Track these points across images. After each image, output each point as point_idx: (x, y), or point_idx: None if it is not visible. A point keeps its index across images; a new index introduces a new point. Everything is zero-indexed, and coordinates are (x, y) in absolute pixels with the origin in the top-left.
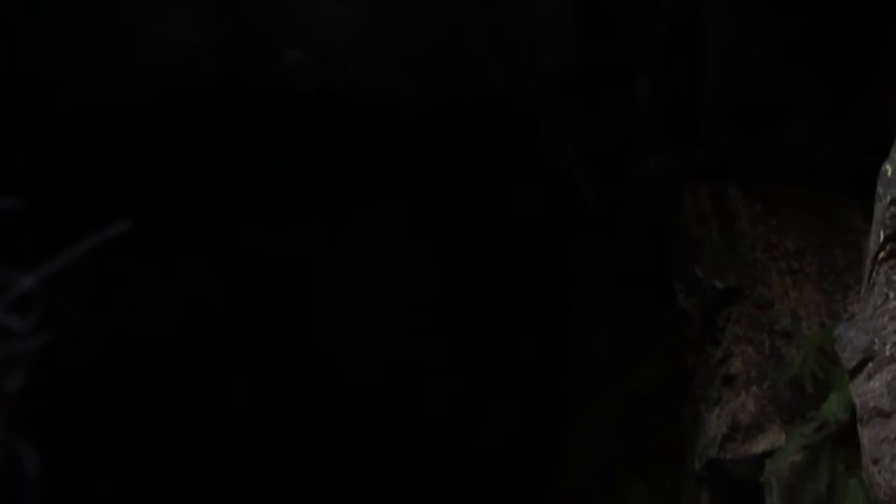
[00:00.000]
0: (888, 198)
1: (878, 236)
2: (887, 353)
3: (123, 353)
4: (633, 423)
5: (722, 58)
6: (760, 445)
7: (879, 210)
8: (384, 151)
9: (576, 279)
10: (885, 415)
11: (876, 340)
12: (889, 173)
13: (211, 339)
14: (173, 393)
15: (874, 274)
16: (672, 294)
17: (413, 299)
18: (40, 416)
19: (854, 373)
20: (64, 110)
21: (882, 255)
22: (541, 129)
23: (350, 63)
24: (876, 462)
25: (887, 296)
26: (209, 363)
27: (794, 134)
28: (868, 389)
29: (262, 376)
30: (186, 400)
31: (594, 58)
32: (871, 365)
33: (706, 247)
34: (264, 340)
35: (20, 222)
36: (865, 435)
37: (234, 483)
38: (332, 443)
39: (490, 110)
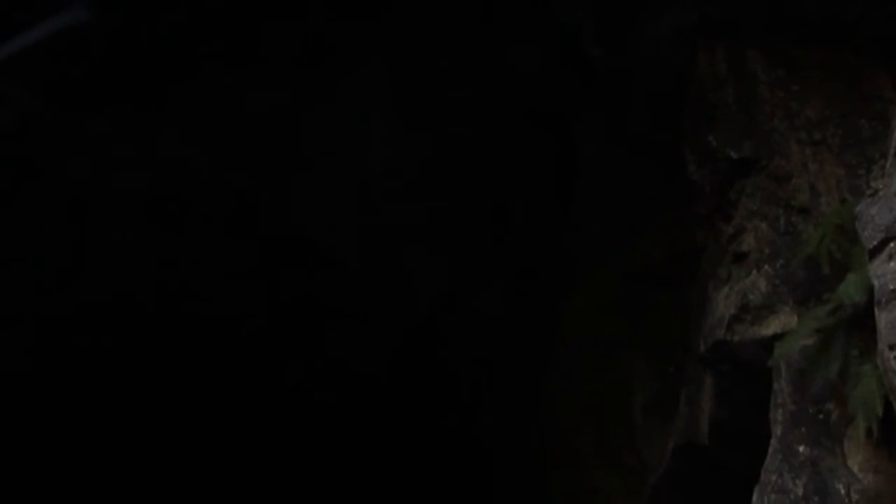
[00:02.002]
0: None
1: None
2: None
3: (93, 219)
4: (635, 301)
5: None
6: (770, 328)
7: None
8: (372, 4)
9: (578, 146)
10: None
11: None
12: None
13: (187, 203)
14: (147, 260)
15: None
16: (682, 164)
17: (401, 164)
18: None
19: (874, 252)
20: None
21: None
22: None
23: None
24: (892, 347)
25: None
26: (185, 229)
27: None
28: (888, 270)
29: (239, 242)
30: (161, 266)
31: None
32: (892, 244)
33: (721, 113)
34: (242, 205)
35: None
36: (882, 319)
37: (213, 350)
38: (315, 311)
39: None
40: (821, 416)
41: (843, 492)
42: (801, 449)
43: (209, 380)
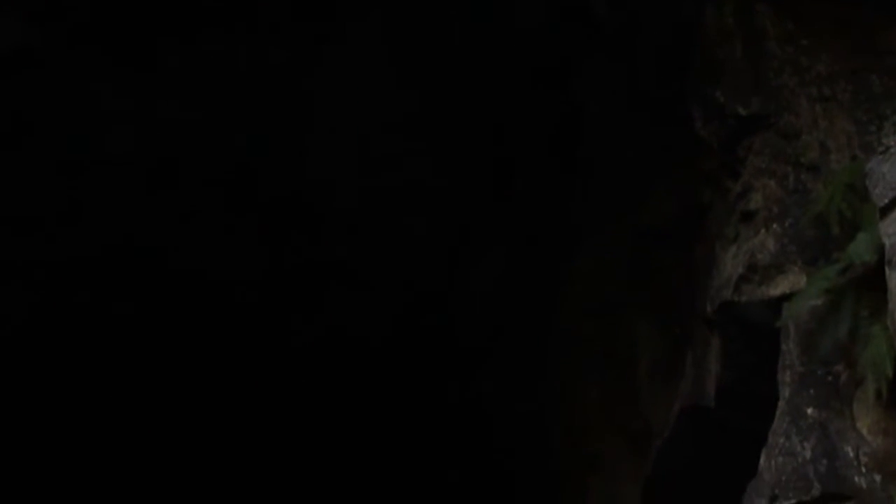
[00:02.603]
0: None
1: None
2: None
3: (88, 180)
4: (640, 261)
5: None
6: (779, 288)
7: None
8: None
9: (582, 103)
10: None
11: None
12: None
13: (185, 164)
14: (143, 222)
15: None
16: (689, 120)
17: (401, 124)
18: None
19: (885, 211)
20: None
21: None
22: None
23: None
24: None
25: None
26: (182, 190)
27: None
28: None
29: (237, 204)
30: (158, 228)
31: None
32: None
33: (728, 69)
34: (238, 166)
35: None
36: (893, 278)
37: (210, 313)
38: (314, 276)
39: None
40: (829, 378)
41: (851, 454)
42: (809, 411)
43: (207, 343)
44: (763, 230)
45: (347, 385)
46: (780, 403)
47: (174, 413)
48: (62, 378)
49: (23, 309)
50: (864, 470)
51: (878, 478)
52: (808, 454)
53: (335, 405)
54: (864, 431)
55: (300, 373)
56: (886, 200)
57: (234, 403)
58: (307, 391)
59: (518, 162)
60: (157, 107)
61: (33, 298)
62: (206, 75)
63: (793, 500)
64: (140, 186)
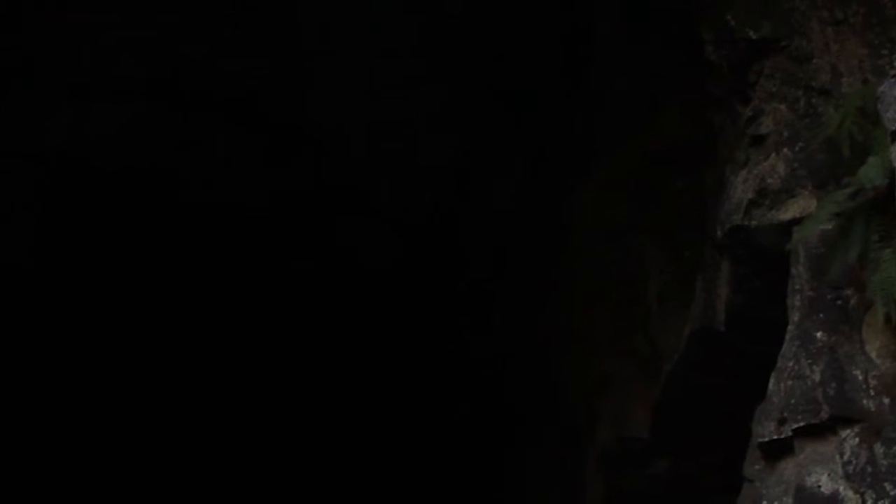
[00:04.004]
0: None
1: None
2: None
3: (93, 106)
4: (650, 185)
5: None
6: (789, 212)
7: None
8: None
9: (592, 24)
10: None
11: None
12: None
13: (192, 92)
14: (149, 149)
15: None
16: (698, 44)
17: (406, 48)
18: None
19: None
20: None
21: None
22: None
23: None
24: None
25: None
26: (189, 118)
27: None
28: None
29: (243, 131)
30: (164, 155)
31: None
32: None
33: None
34: (246, 93)
35: None
36: None
37: (216, 240)
38: (322, 203)
39: None
40: (839, 302)
41: (860, 378)
42: (818, 335)
43: (214, 270)
44: (773, 154)
45: (355, 311)
46: (790, 327)
47: (179, 336)
48: (71, 304)
49: (28, 238)
50: (872, 393)
51: (886, 401)
52: (817, 377)
53: (343, 332)
54: (873, 355)
55: (308, 299)
56: None
57: (242, 329)
58: (315, 317)
59: (526, 86)
60: (162, 34)
61: (39, 228)
62: (211, 1)
63: (802, 423)
64: (145, 113)
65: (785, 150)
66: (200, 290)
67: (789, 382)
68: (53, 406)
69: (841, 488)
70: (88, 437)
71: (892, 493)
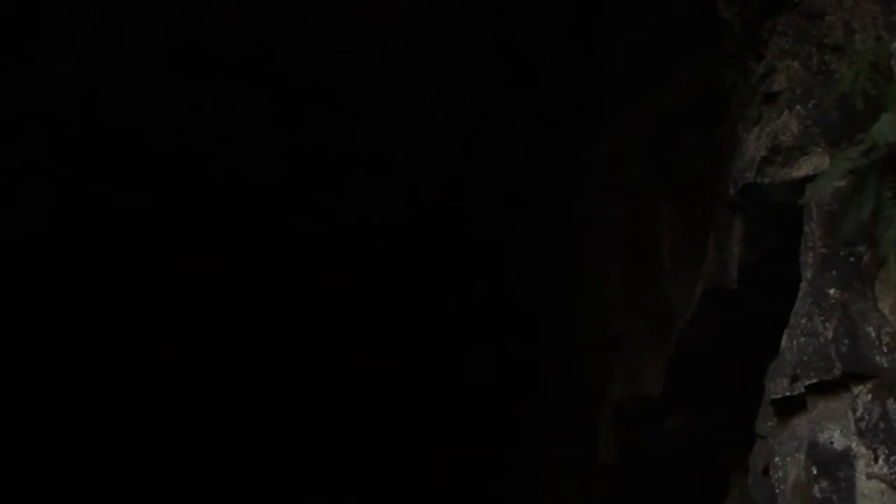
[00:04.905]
0: None
1: None
2: None
3: (107, 69)
4: (663, 144)
5: None
6: (802, 169)
7: None
8: None
9: None
10: None
11: None
12: None
13: (204, 51)
14: (163, 110)
15: None
16: (710, 1)
17: (420, 7)
18: None
19: None
20: None
21: None
22: None
23: None
24: None
25: None
26: (202, 77)
27: None
28: None
29: (258, 90)
30: (178, 116)
31: None
32: None
33: None
34: (260, 52)
35: None
36: None
37: (231, 199)
38: (336, 162)
39: None
40: (852, 259)
41: (873, 334)
42: (831, 292)
43: (228, 231)
44: (786, 112)
45: (370, 270)
46: (802, 285)
47: (194, 295)
48: (86, 267)
49: (45, 201)
50: (885, 349)
51: None
52: (829, 334)
53: (358, 291)
54: (886, 311)
55: (323, 258)
56: None
57: (255, 289)
58: (329, 275)
59: (539, 45)
60: None
61: (53, 189)
62: None
63: (814, 380)
64: (159, 75)
65: (798, 107)
66: (215, 249)
67: (802, 339)
68: (66, 374)
69: (853, 444)
70: (100, 401)
71: None
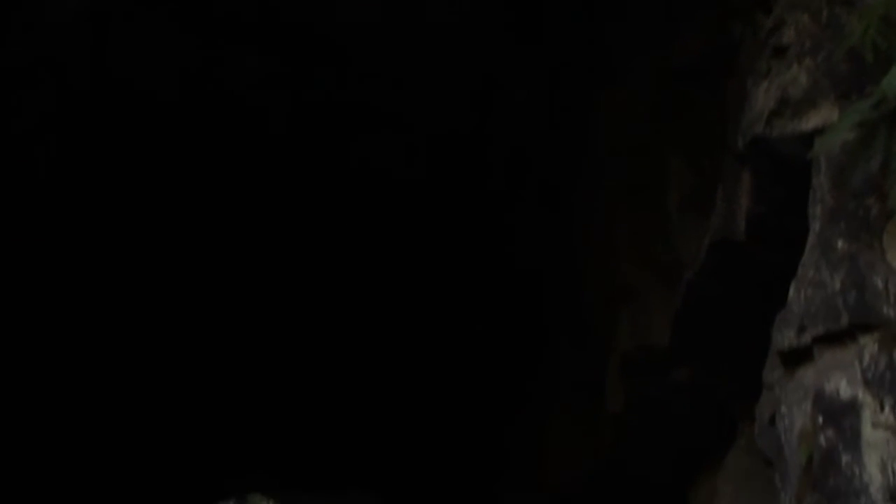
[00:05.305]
0: None
1: None
2: None
3: (112, 22)
4: (671, 97)
5: None
6: (811, 122)
7: None
8: None
9: None
10: None
11: None
12: None
13: (207, 2)
14: (168, 62)
15: None
16: None
17: None
18: None
19: None
20: None
21: None
22: None
23: None
24: None
25: None
26: (206, 29)
27: None
28: None
29: (262, 42)
30: (183, 68)
31: None
32: None
33: None
34: (265, 7)
35: None
36: None
37: (237, 153)
38: (343, 115)
39: None
40: (860, 212)
41: (880, 286)
42: (839, 244)
43: (236, 181)
44: (795, 64)
45: (380, 222)
46: (810, 237)
47: (203, 245)
48: (94, 219)
49: (52, 159)
50: (892, 301)
51: None
52: (837, 286)
53: (369, 243)
54: (894, 263)
55: (331, 216)
56: None
57: (262, 242)
58: (339, 234)
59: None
60: None
61: (61, 146)
62: None
63: (821, 330)
64: (167, 30)
65: (807, 60)
66: (225, 205)
67: (809, 291)
68: (72, 319)
69: (860, 394)
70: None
71: None
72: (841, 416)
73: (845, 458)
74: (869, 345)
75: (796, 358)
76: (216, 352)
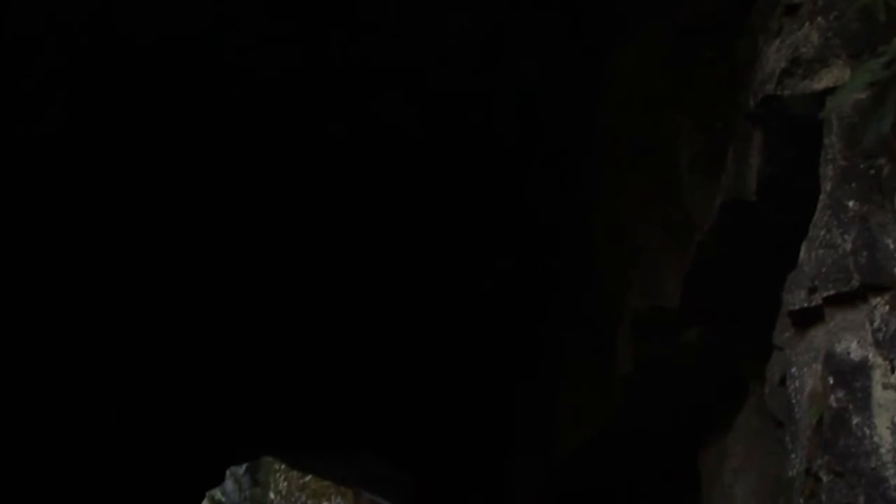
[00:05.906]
0: None
1: None
2: None
3: None
4: (681, 58)
5: None
6: (822, 81)
7: None
8: None
9: None
10: None
11: None
12: None
13: None
14: (180, 21)
15: None
16: None
17: None
18: None
19: None
20: None
21: None
22: None
23: None
24: None
25: None
26: None
27: None
28: None
29: (276, 7)
30: (196, 26)
31: None
32: None
33: None
34: None
35: None
36: None
37: (251, 113)
38: (355, 73)
39: None
40: (872, 172)
41: (891, 246)
42: (850, 204)
43: (244, 140)
44: (807, 23)
45: (391, 181)
46: (822, 197)
47: (215, 199)
48: (105, 176)
49: (63, 117)
50: None
51: None
52: (848, 246)
53: (380, 202)
54: None
55: (341, 174)
56: None
57: (273, 205)
58: (349, 193)
59: None
60: None
61: (71, 107)
62: None
63: (832, 291)
64: None
65: (819, 18)
66: (232, 165)
67: (820, 251)
68: (80, 271)
69: (870, 355)
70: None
71: None
72: (851, 377)
73: (855, 420)
74: (880, 305)
75: (807, 319)
76: (227, 319)
